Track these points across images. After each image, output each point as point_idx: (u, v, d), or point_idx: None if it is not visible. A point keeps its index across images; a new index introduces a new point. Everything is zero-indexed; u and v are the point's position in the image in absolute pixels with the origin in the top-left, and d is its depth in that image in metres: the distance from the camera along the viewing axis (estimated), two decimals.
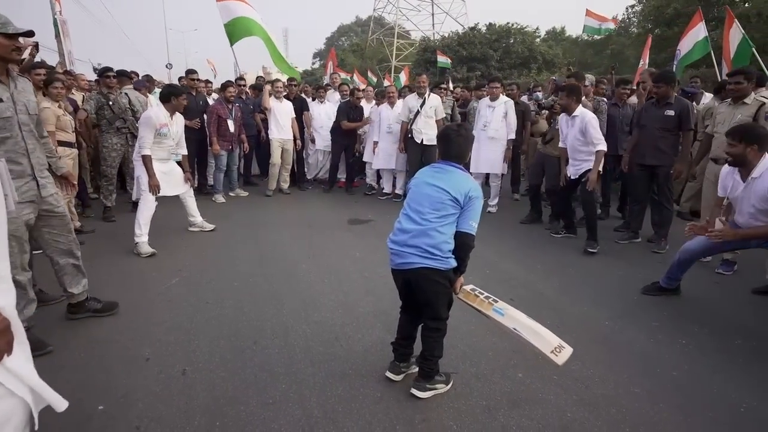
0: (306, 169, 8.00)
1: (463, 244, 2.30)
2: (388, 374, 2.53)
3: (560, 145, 5.03)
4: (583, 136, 4.59)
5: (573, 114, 4.66)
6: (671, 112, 4.49)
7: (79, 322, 3.17)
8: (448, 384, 2.46)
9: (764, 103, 3.95)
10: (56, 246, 2.94)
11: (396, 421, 2.23)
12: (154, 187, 4.58)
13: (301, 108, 7.43)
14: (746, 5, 17.32)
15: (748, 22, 15.24)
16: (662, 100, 4.56)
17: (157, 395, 2.40)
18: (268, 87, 7.14)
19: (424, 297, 2.35)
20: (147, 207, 4.61)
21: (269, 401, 2.36)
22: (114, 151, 5.77)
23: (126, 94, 5.98)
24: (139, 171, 4.67)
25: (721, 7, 17.93)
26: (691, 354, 2.85)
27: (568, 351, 2.20)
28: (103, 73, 5.93)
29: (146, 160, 4.56)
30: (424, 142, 6.42)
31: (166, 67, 30.89)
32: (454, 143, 2.38)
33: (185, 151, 5.17)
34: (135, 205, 5.96)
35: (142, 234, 4.56)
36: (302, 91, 8.34)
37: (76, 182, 3.36)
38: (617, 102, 5.65)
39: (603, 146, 4.53)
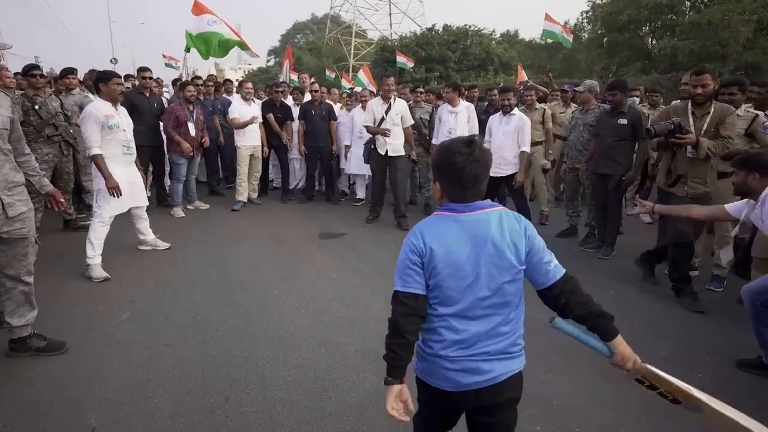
0: (290, 179, 7.29)
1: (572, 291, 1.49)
2: None
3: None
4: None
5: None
6: (624, 121, 4.47)
7: (6, 378, 2.63)
8: None
9: (758, 115, 3.86)
10: (5, 270, 2.70)
11: None
12: (113, 189, 3.98)
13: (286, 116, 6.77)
14: (692, 13, 18.02)
15: (699, 30, 15.84)
16: (616, 109, 4.53)
17: None
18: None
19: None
20: (101, 224, 4.06)
21: None
22: (44, 162, 4.81)
23: (56, 96, 5.22)
24: (99, 183, 4.06)
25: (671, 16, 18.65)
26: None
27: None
28: (27, 71, 4.93)
29: (97, 160, 3.96)
30: (389, 153, 5.68)
31: (111, 62, 29.00)
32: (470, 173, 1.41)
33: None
34: (66, 223, 5.36)
35: (95, 255, 4.01)
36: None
37: (62, 200, 3.05)
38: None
39: None
